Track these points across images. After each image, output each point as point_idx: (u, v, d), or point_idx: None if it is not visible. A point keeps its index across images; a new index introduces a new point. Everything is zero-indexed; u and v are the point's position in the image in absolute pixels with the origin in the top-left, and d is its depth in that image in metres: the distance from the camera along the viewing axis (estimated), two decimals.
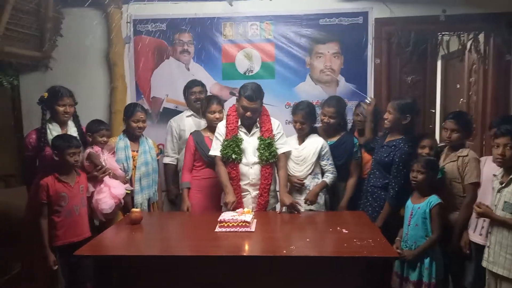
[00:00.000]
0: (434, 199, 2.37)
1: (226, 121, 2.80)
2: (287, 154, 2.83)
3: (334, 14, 3.79)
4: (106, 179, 2.69)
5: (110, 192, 2.66)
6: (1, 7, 3.20)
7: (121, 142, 2.90)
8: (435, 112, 4.24)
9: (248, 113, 2.69)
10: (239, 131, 2.77)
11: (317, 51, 3.84)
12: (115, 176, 2.75)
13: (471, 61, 4.08)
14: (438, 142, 2.85)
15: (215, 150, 2.77)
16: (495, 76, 3.71)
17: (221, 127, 2.79)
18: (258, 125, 2.79)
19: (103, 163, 2.70)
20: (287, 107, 3.84)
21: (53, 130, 2.66)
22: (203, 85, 3.43)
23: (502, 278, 2.11)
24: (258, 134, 2.77)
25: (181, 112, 3.54)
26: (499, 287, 2.15)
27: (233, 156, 2.69)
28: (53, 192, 2.44)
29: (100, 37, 3.92)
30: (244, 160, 2.73)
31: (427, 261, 2.34)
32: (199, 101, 3.27)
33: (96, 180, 2.67)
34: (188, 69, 3.93)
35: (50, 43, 3.84)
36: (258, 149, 2.73)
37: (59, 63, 3.94)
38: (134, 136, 2.94)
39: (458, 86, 4.50)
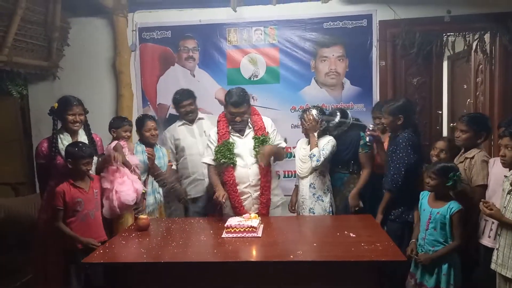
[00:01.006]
0: (455, 206, 2.29)
1: (217, 128, 2.84)
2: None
3: (338, 17, 3.79)
4: (128, 173, 2.75)
5: (132, 185, 2.73)
6: (9, 19, 3.26)
7: (139, 147, 3.01)
8: (442, 114, 4.20)
9: (237, 118, 2.75)
10: (231, 136, 2.80)
11: (321, 54, 3.84)
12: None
13: (477, 61, 4.04)
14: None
15: (205, 157, 2.85)
16: (501, 76, 3.68)
17: (212, 135, 2.86)
18: (251, 126, 2.83)
19: (126, 158, 2.79)
20: (292, 111, 3.85)
21: (64, 140, 2.69)
22: (193, 97, 3.39)
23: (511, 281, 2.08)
24: (252, 134, 2.81)
25: None
26: None
27: (222, 161, 2.72)
28: (69, 198, 2.48)
29: (106, 45, 3.98)
30: (242, 163, 2.76)
31: (445, 267, 2.27)
32: (191, 113, 3.34)
33: (115, 171, 2.72)
34: (194, 76, 3.96)
35: (58, 53, 3.90)
36: (254, 148, 2.76)
37: (67, 72, 4.00)
38: (149, 145, 3.04)
39: (465, 86, 4.46)
